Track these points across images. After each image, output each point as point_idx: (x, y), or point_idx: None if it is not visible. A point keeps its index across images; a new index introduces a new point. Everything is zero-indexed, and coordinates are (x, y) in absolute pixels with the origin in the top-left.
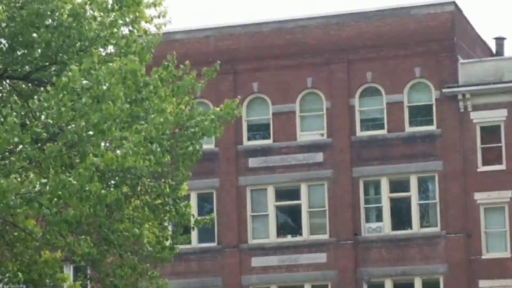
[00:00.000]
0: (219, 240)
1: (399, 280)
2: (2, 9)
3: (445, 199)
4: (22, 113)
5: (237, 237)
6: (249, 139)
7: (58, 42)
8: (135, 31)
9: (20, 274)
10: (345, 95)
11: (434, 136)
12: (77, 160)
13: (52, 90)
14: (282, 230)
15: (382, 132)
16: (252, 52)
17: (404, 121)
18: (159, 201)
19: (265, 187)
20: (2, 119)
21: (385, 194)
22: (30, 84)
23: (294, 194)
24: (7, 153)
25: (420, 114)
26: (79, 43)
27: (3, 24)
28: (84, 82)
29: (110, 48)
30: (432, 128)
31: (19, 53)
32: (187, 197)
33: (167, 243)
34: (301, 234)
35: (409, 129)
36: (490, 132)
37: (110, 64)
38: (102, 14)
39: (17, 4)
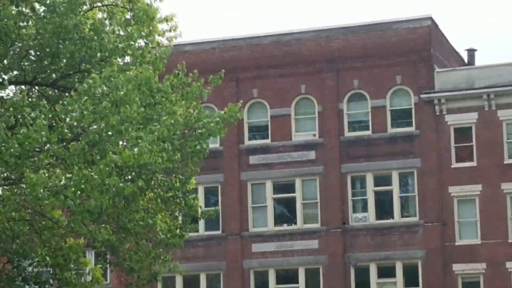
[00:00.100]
0: (223, 229)
1: (382, 264)
2: (31, 24)
3: (423, 192)
4: (50, 116)
5: (239, 226)
6: (249, 139)
7: (81, 53)
8: (149, 43)
9: (47, 258)
10: (334, 100)
11: (413, 136)
12: (98, 157)
13: (75, 96)
14: (279, 219)
15: (367, 133)
16: (252, 62)
17: (387, 123)
18: (170, 194)
19: (264, 181)
20: (32, 121)
21: (370, 188)
22: (56, 90)
23: (289, 187)
24: (36, 151)
25: (401, 117)
26: (99, 53)
27: (32, 37)
28: (104, 88)
29: (127, 58)
30: (411, 129)
31: (46, 62)
32: (195, 191)
33: (177, 231)
34: (295, 223)
35: (391, 130)
36: (463, 133)
37: (127, 72)
38: (120, 28)
39: (44, 20)
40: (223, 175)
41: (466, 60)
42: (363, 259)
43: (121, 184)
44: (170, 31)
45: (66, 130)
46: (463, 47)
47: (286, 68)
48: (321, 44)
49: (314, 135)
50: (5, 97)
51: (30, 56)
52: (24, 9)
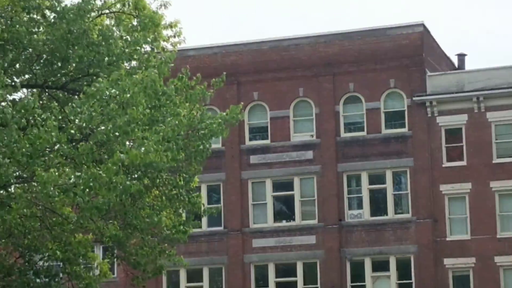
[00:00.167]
0: (225, 225)
1: (377, 259)
2: (42, 30)
3: (415, 190)
4: (60, 118)
5: (240, 222)
6: (250, 139)
7: (89, 57)
8: (155, 48)
9: (58, 253)
10: (331, 102)
11: (406, 137)
12: (106, 157)
13: (84, 98)
14: (278, 216)
15: (362, 133)
16: (253, 66)
17: (381, 125)
18: (175, 191)
19: (264, 180)
20: (42, 123)
21: (365, 186)
22: (66, 93)
23: (288, 186)
24: (46, 151)
25: (394, 118)
26: (107, 58)
27: (43, 43)
28: (112, 91)
29: (134, 63)
30: (404, 130)
31: (56, 66)
32: (198, 189)
33: (181, 227)
34: (294, 220)
35: (385, 131)
36: (453, 134)
37: (134, 76)
38: (126, 34)
39: (54, 26)
40: (225, 174)
41: (456, 65)
42: (358, 253)
43: (127, 182)
44: (174, 36)
45: (75, 131)
46: (454, 52)
47: (285, 72)
48: (318, 49)
49: (312, 136)
50: (17, 100)
51: (41, 61)
52: (35, 16)
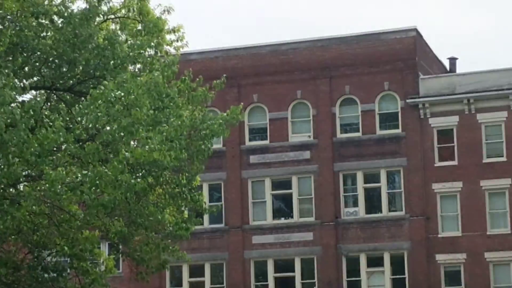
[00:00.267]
0: (226, 222)
1: (372, 255)
2: (50, 34)
3: (409, 189)
4: (67, 119)
5: (240, 219)
6: (250, 140)
7: (95, 60)
8: (158, 52)
9: (65, 248)
10: (328, 104)
11: (400, 137)
12: (111, 156)
13: (90, 100)
14: (277, 213)
15: (358, 134)
16: (252, 69)
17: (375, 126)
18: (178, 190)
19: (263, 179)
20: (50, 123)
21: (360, 184)
22: (73, 95)
23: (286, 184)
24: (54, 151)
25: (388, 120)
26: (112, 61)
27: (51, 47)
28: (117, 93)
29: (138, 66)
30: (398, 131)
31: (64, 69)
32: (200, 187)
33: (184, 224)
34: (292, 217)
35: (379, 132)
36: (445, 135)
37: (138, 78)
38: (131, 38)
39: (62, 30)
40: (226, 173)
41: (448, 68)
42: (354, 250)
43: (132, 181)
44: (177, 41)
45: (81, 131)
46: (445, 56)
47: (283, 75)
48: (316, 53)
49: (309, 136)
50: (26, 101)
51: (49, 64)
52: (43, 21)
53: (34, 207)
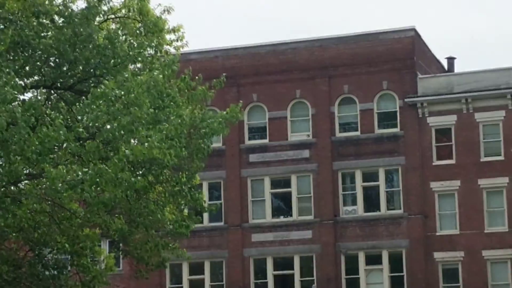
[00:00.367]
0: (225, 220)
1: (370, 253)
2: (51, 34)
3: (407, 187)
4: (68, 117)
5: (240, 218)
6: (249, 139)
7: (96, 59)
8: (158, 51)
9: (66, 246)
10: (326, 103)
11: (398, 136)
12: (112, 154)
13: (91, 98)
14: (276, 212)
15: (356, 133)
16: (252, 69)
17: (374, 125)
18: (177, 188)
19: (262, 177)
20: (51, 122)
21: (359, 183)
22: (73, 94)
23: (285, 183)
24: (55, 149)
25: (387, 119)
26: (112, 60)
27: (51, 46)
28: (117, 91)
29: (138, 65)
30: (396, 130)
31: (64, 68)
32: (200, 186)
33: (184, 222)
34: (291, 215)
35: (378, 131)
36: (443, 134)
37: (138, 77)
38: (131, 38)
39: (62, 30)
40: (225, 171)
41: (446, 67)
42: (353, 248)
43: (132, 179)
44: (177, 40)
45: (82, 130)
46: (443, 55)
47: (283, 75)
48: (314, 53)
49: (308, 135)
50: (26, 99)
51: (50, 63)
52: (44, 21)
53: (35, 205)
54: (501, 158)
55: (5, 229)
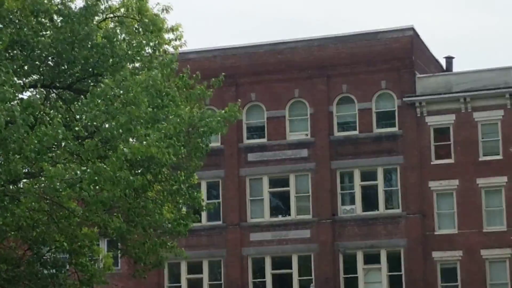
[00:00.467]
0: (224, 219)
1: (368, 252)
2: (49, 33)
3: (405, 186)
4: (66, 116)
5: (238, 217)
6: (248, 138)
7: (94, 59)
8: (157, 50)
9: (65, 245)
10: (325, 103)
11: (396, 136)
12: (110, 153)
13: (90, 97)
14: (274, 211)
15: (355, 132)
16: (250, 68)
17: (372, 124)
18: (176, 187)
19: (261, 177)
20: (50, 120)
21: (357, 182)
22: (72, 93)
23: (284, 182)
24: (54, 147)
25: (385, 118)
26: (111, 59)
27: (50, 45)
28: (116, 90)
29: (137, 64)
30: (394, 129)
31: (63, 68)
32: (198, 185)
33: (182, 221)
34: (289, 214)
35: (376, 130)
36: (441, 133)
37: (137, 76)
38: (130, 37)
39: (61, 29)
40: (224, 171)
41: (444, 67)
42: (351, 247)
43: (131, 177)
44: (175, 40)
45: (80, 128)
46: (442, 55)
47: (281, 74)
48: (313, 52)
49: (307, 134)
50: (25, 98)
51: (48, 62)
52: (43, 20)
53: (33, 203)
54: (500, 157)
55: (4, 228)
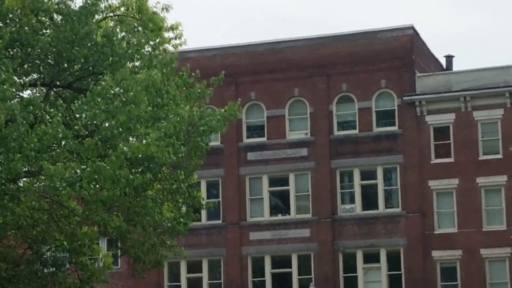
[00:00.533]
0: (223, 218)
1: (368, 251)
2: (49, 31)
3: (405, 186)
4: (66, 115)
5: (238, 216)
6: (247, 137)
7: (94, 57)
8: (156, 49)
9: (65, 243)
10: (325, 102)
11: (396, 135)
12: (110, 152)
13: (90, 96)
14: (274, 210)
15: (355, 131)
16: (250, 67)
17: (372, 123)
18: (176, 186)
19: (261, 176)
20: (50, 119)
21: (357, 181)
22: (72, 91)
23: (284, 181)
24: (54, 146)
25: (385, 117)
26: (111, 58)
27: (50, 44)
28: (116, 89)
29: (137, 63)
30: (394, 128)
31: (63, 66)
32: (198, 184)
33: (182, 220)
34: (289, 214)
35: (376, 129)
36: (441, 132)
37: (137, 75)
38: (129, 35)
39: (61, 28)
40: (224, 170)
41: (444, 66)
42: (351, 246)
43: (131, 176)
44: (175, 38)
45: (80, 127)
46: (442, 53)
47: (281, 73)
48: (313, 51)
49: (306, 133)
50: (25, 97)
51: (48, 61)
52: (43, 18)
53: (33, 202)
54: (500, 156)
55: (4, 227)
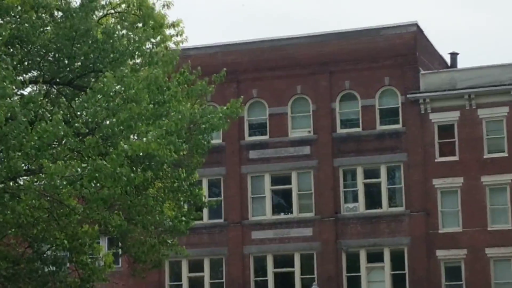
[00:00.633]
0: (225, 217)
1: (371, 250)
2: (50, 28)
3: (409, 184)
4: (67, 112)
5: (240, 215)
6: (249, 135)
7: (94, 54)
8: (157, 46)
9: (65, 242)
10: (327, 99)
11: (400, 133)
12: (111, 150)
13: (91, 94)
14: (276, 209)
15: (358, 129)
16: (252, 65)
17: (376, 121)
18: (177, 184)
19: (263, 174)
20: (50, 117)
21: (360, 180)
22: (73, 89)
23: (286, 180)
24: (54, 144)
25: (389, 115)
26: (111, 55)
27: (50, 40)
28: (117, 87)
29: (138, 60)
30: (398, 126)
31: (63, 63)
32: (200, 182)
33: (183, 218)
34: (291, 212)
35: (379, 127)
36: (446, 130)
37: (139, 73)
38: (130, 32)
39: (61, 24)
40: (225, 168)
41: (449, 63)
42: (354, 245)
43: (132, 174)
44: (176, 35)
45: (81, 125)
46: (446, 51)
47: (283, 70)
48: (315, 48)
49: (309, 131)
50: (25, 94)
51: (49, 58)
52: (43, 15)
53: (34, 201)
54: (505, 154)
55: (4, 225)
